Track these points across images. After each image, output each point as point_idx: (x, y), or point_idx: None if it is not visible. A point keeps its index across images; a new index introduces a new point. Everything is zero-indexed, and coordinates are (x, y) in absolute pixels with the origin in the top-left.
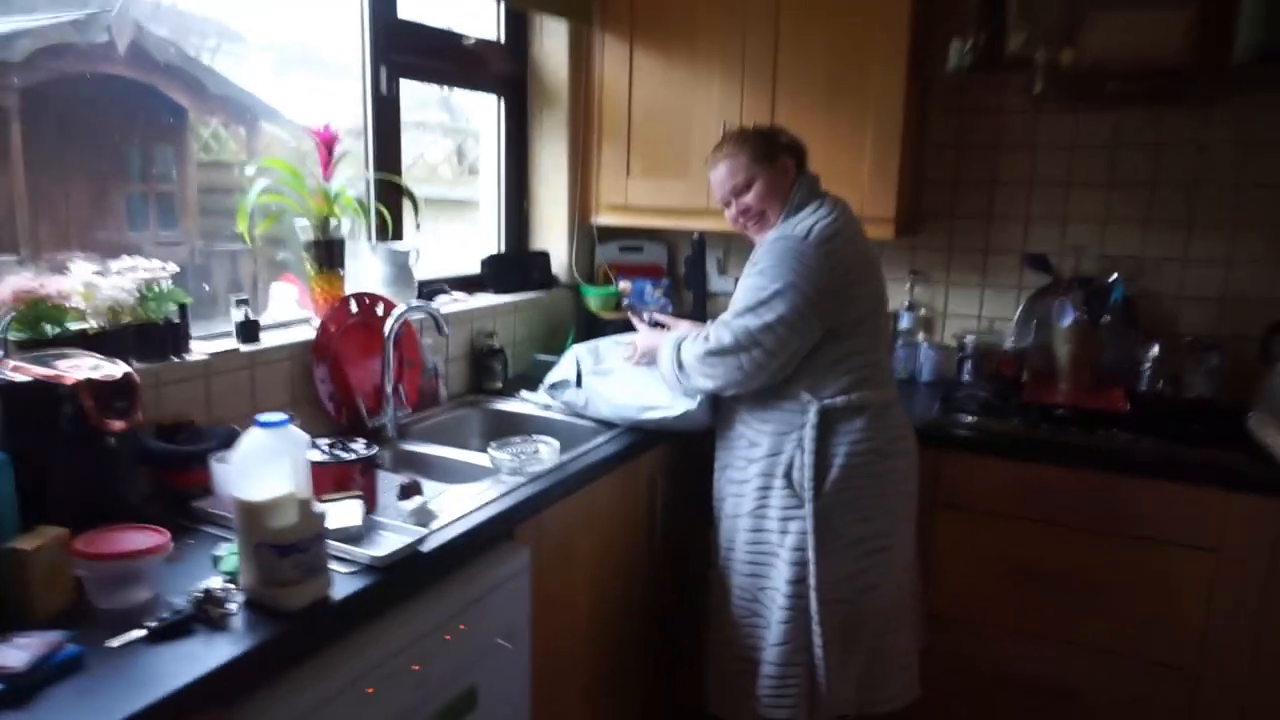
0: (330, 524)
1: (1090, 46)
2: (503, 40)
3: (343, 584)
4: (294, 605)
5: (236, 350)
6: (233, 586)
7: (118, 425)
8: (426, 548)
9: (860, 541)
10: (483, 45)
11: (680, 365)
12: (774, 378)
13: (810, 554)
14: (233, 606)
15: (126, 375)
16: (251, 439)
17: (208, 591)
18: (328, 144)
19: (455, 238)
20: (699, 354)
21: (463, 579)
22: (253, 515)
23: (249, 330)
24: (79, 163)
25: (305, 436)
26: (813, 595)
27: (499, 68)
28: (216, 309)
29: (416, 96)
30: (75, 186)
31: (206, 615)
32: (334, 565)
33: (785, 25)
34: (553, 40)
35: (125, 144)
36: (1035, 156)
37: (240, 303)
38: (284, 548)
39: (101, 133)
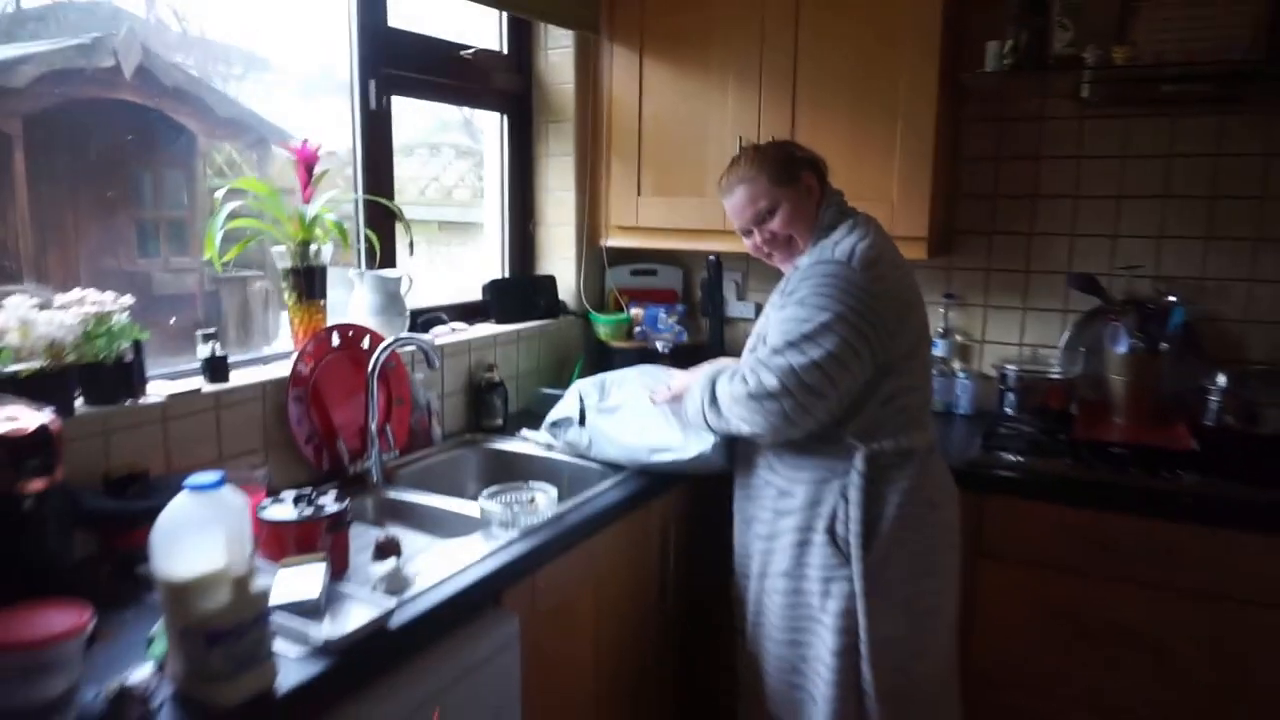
0: (282, 597)
1: (1146, 42)
2: (505, 51)
3: (292, 671)
4: (225, 702)
5: (198, 391)
6: (161, 676)
7: (35, 486)
8: (395, 623)
9: (911, 601)
10: (483, 56)
11: (715, 401)
12: (818, 424)
13: (861, 620)
14: (156, 703)
15: (41, 428)
16: (176, 505)
17: (123, 688)
18: (307, 163)
19: (468, 262)
20: (738, 396)
21: (439, 655)
22: (176, 596)
23: (217, 367)
24: (86, 189)
25: (243, 500)
26: (865, 666)
27: (501, 81)
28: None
29: (438, 119)
30: (82, 213)
31: (122, 717)
32: (284, 646)
33: (805, 30)
34: (558, 52)
35: (133, 169)
36: (1081, 167)
37: (207, 337)
38: (213, 634)
39: (108, 158)
